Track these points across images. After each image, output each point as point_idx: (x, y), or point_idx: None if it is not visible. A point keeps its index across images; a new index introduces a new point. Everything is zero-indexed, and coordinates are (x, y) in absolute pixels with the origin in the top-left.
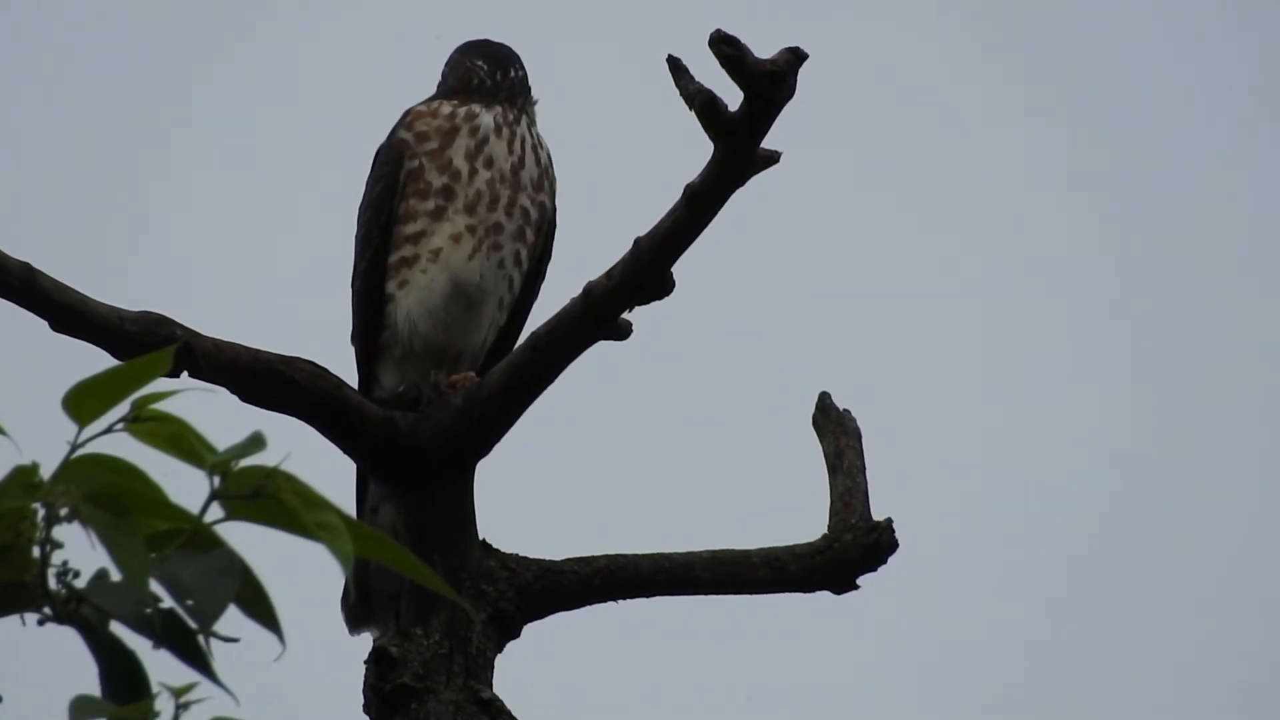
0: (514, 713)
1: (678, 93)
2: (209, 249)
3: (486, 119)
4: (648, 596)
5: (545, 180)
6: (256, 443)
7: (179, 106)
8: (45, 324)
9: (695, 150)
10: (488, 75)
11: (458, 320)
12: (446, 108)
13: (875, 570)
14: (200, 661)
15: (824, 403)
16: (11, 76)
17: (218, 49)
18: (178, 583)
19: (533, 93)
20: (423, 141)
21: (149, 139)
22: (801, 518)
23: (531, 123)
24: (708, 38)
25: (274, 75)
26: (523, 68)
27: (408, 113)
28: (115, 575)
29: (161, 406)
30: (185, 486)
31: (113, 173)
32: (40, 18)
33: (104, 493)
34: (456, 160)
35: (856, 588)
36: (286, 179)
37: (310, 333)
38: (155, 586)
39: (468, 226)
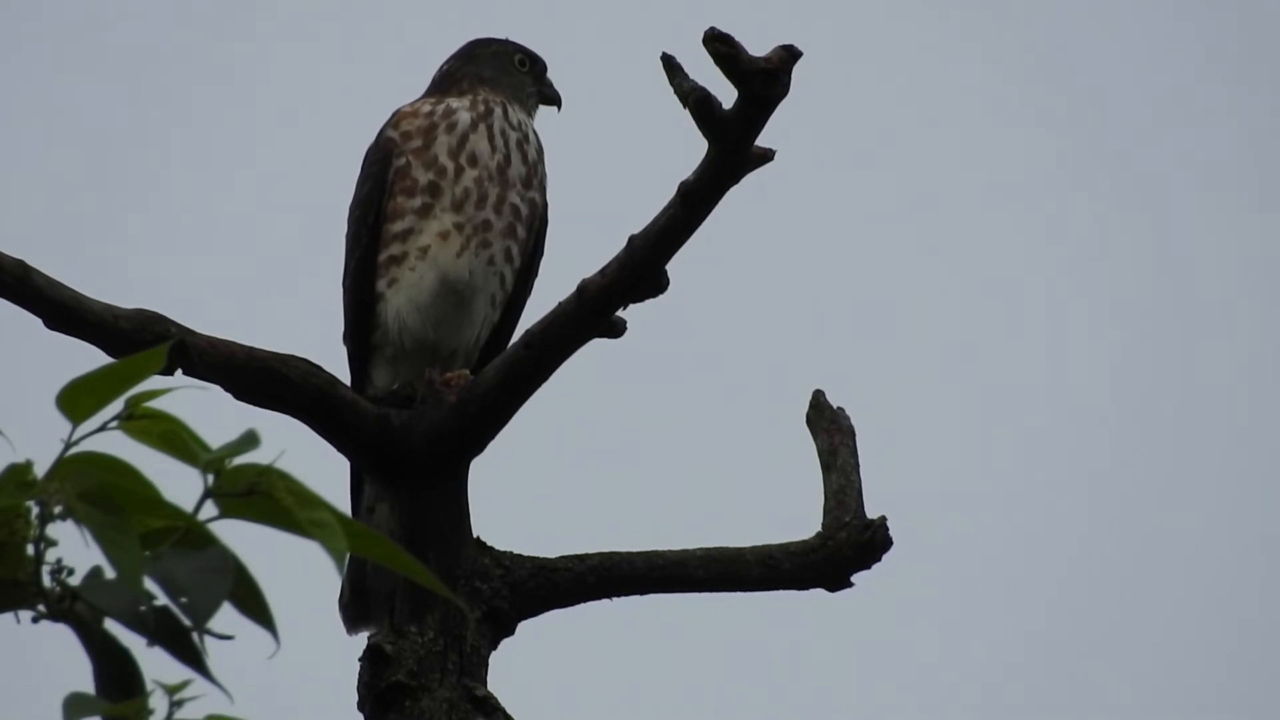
0: (508, 710)
1: (672, 90)
2: (204, 247)
3: (463, 115)
4: (642, 594)
5: (534, 176)
6: (250, 441)
7: (175, 105)
8: (39, 322)
9: (690, 148)
10: (437, 76)
11: (447, 318)
12: (426, 106)
13: (869, 568)
14: (195, 659)
15: (818, 400)
16: (8, 75)
17: (216, 48)
18: (172, 580)
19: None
20: (408, 140)
21: (145, 137)
22: (795, 515)
23: (508, 110)
24: (702, 35)
25: (271, 74)
26: (471, 49)
27: (395, 113)
28: (109, 573)
29: (155, 404)
30: (179, 484)
31: (108, 171)
32: (39, 17)
33: (98, 490)
34: (441, 157)
35: (851, 585)
36: (283, 178)
37: (305, 331)
38: (149, 584)
39: (455, 224)
